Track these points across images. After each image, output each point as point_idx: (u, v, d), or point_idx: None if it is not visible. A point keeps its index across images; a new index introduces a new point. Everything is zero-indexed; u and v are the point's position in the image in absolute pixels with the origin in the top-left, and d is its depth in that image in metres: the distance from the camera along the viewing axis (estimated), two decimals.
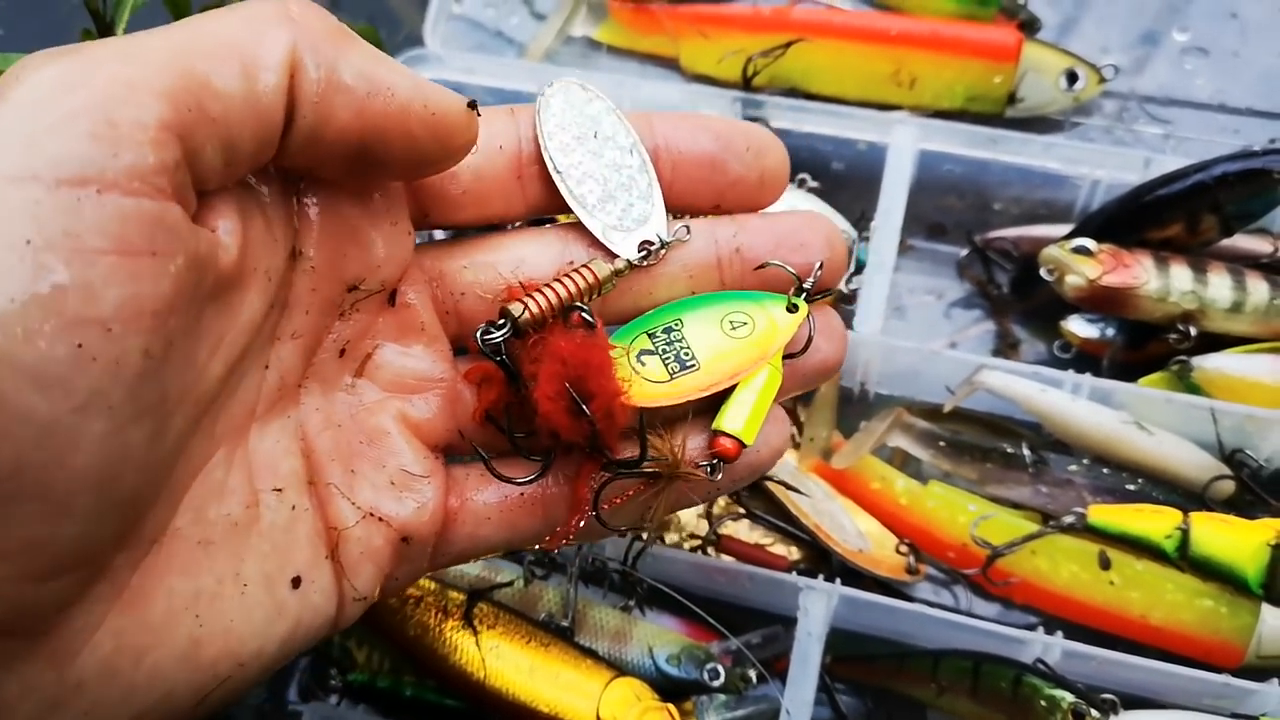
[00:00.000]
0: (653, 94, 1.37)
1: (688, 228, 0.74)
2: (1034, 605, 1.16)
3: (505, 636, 1.08)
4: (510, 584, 1.13)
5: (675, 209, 0.74)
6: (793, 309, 0.73)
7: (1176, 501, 1.13)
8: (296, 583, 0.63)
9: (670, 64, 1.49)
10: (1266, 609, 1.08)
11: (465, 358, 0.72)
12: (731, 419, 0.70)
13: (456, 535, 0.70)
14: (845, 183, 1.38)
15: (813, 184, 1.36)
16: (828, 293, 0.75)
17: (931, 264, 1.39)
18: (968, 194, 1.39)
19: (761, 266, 0.74)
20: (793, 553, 1.18)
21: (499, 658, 1.07)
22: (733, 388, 0.71)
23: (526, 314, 0.67)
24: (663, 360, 0.70)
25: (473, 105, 0.64)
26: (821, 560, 1.17)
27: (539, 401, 0.66)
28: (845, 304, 1.27)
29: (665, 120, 0.74)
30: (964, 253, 1.37)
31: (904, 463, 1.23)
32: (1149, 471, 1.17)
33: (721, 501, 1.19)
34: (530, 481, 0.70)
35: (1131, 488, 1.16)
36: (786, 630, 1.12)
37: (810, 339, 0.73)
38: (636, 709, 1.05)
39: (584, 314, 0.69)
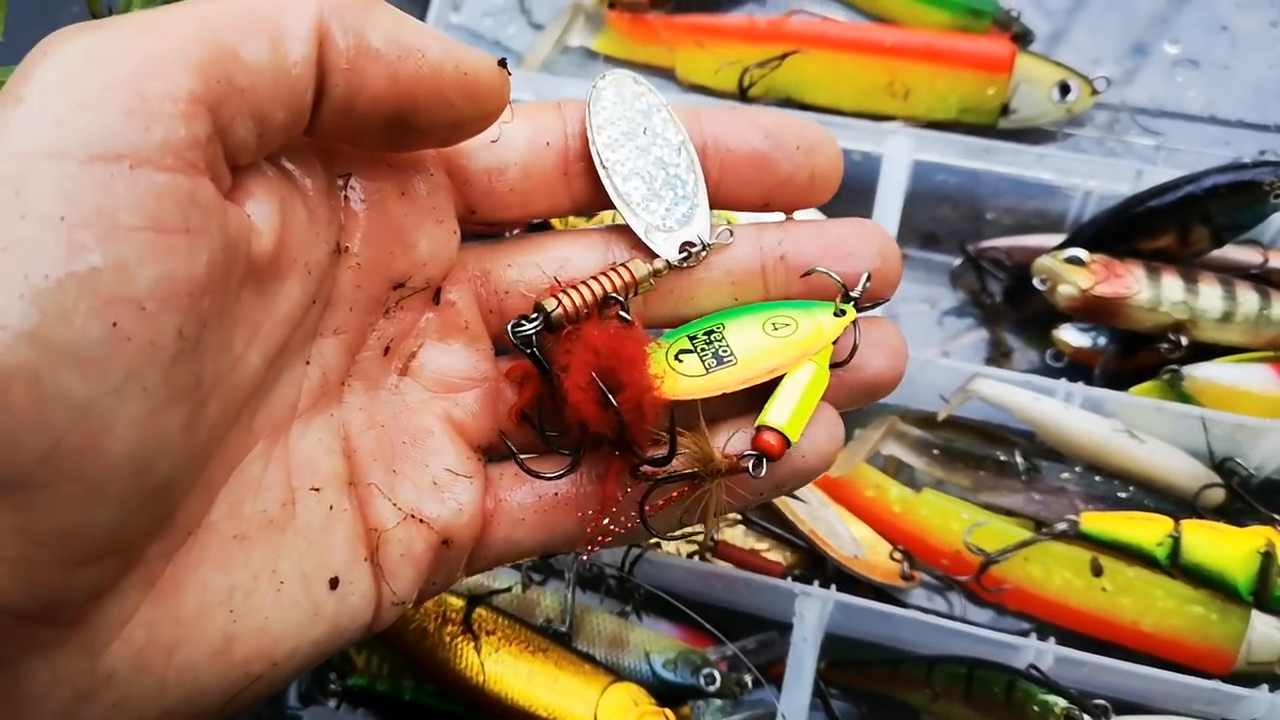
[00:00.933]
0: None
1: (731, 230, 0.72)
2: (1027, 612, 1.17)
3: (504, 642, 1.09)
4: (508, 590, 1.14)
5: (723, 206, 0.73)
6: (840, 314, 0.70)
7: (1168, 509, 1.14)
8: (334, 584, 0.62)
9: (667, 74, 1.50)
10: (1256, 616, 1.09)
11: (506, 357, 0.72)
12: (775, 413, 0.68)
13: (492, 538, 0.69)
14: (840, 193, 1.37)
15: None
16: (878, 303, 0.73)
17: (925, 273, 1.40)
18: (961, 204, 1.40)
19: (808, 274, 0.71)
20: (787, 558, 1.19)
21: (497, 663, 1.08)
22: (774, 385, 0.69)
23: (560, 309, 0.67)
24: (700, 358, 0.69)
25: (502, 64, 0.63)
26: (816, 566, 1.18)
27: (568, 391, 0.65)
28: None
29: (714, 116, 0.72)
30: (957, 262, 1.38)
31: (898, 470, 1.24)
32: (1140, 479, 1.18)
33: None
34: (560, 476, 0.69)
35: (1123, 495, 1.17)
36: (782, 636, 1.13)
37: (855, 347, 0.71)
38: (634, 714, 1.06)
39: (621, 309, 0.68)
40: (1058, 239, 1.30)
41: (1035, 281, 1.24)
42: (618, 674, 1.10)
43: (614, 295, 0.68)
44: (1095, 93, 1.39)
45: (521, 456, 0.70)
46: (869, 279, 0.71)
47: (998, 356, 1.34)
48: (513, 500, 0.70)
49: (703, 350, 0.70)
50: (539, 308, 0.67)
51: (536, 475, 0.69)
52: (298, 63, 0.54)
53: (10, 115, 0.47)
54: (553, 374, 0.67)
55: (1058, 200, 1.36)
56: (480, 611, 1.10)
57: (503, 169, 0.68)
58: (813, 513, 1.18)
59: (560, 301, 0.67)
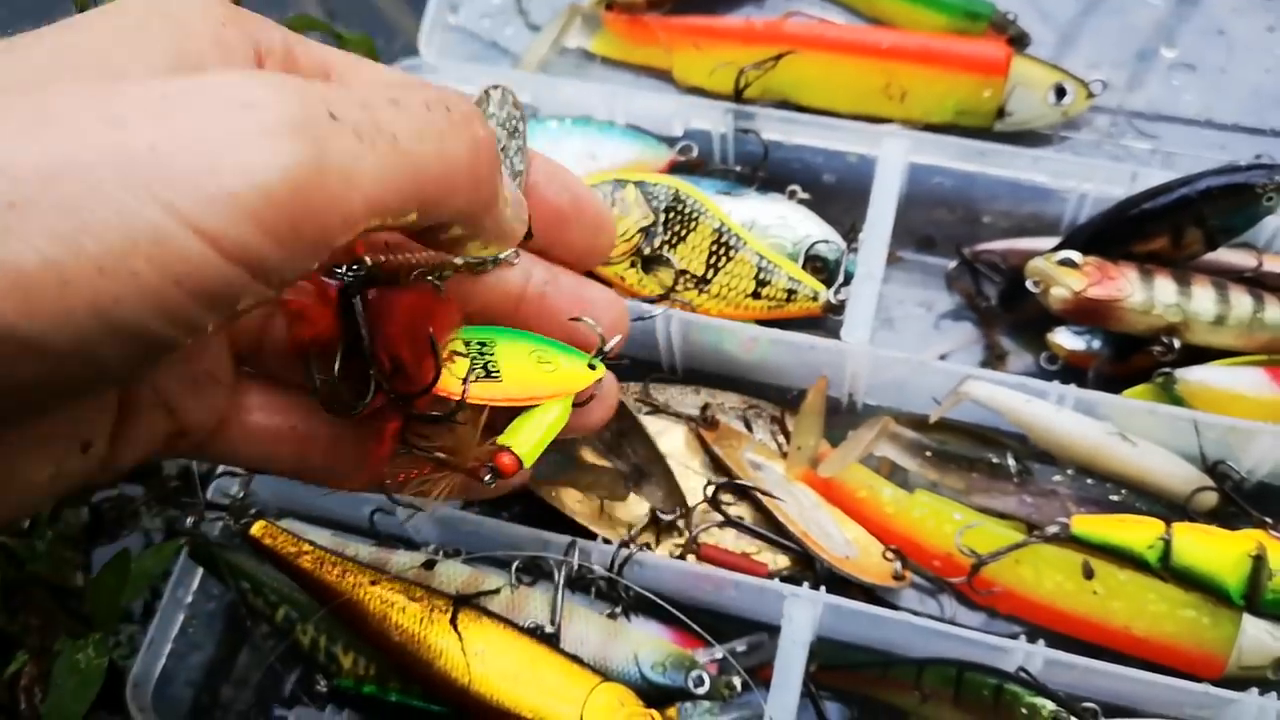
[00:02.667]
0: (645, 105, 1.39)
1: (518, 253, 0.81)
2: (1018, 615, 1.17)
3: (490, 642, 1.08)
4: (497, 591, 1.14)
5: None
6: (592, 368, 0.82)
7: (1159, 512, 1.14)
8: (86, 447, 0.65)
9: (663, 75, 1.51)
10: (1248, 619, 1.08)
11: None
12: (521, 441, 0.77)
13: (230, 441, 0.76)
14: (835, 194, 1.39)
15: (803, 195, 1.37)
16: (604, 358, 0.84)
17: (920, 276, 1.40)
18: (957, 206, 1.40)
19: (576, 319, 0.83)
20: (779, 561, 1.18)
21: (484, 663, 1.07)
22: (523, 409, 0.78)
23: (380, 264, 0.73)
24: (471, 364, 0.76)
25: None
26: (808, 568, 1.18)
27: (390, 336, 0.72)
28: (833, 314, 1.29)
29: (547, 165, 0.82)
30: (953, 265, 1.38)
31: (891, 472, 1.24)
32: (1132, 482, 1.18)
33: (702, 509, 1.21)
34: (355, 411, 0.74)
35: (1115, 498, 1.17)
36: (771, 638, 1.12)
37: (592, 396, 0.84)
38: (620, 715, 1.05)
39: (435, 282, 0.76)
40: (1053, 242, 1.30)
41: (1028, 283, 1.24)
42: (606, 675, 1.09)
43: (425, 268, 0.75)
44: (1091, 96, 1.39)
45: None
46: (612, 343, 0.84)
47: (993, 359, 1.33)
48: (254, 419, 0.76)
49: (474, 359, 0.77)
50: (359, 261, 0.72)
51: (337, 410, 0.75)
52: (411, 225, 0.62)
53: (182, 155, 0.49)
54: (362, 321, 0.72)
55: (1053, 203, 1.35)
56: (467, 612, 1.10)
57: None
58: (804, 514, 1.18)
59: (383, 258, 0.73)
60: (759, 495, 1.19)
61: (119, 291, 0.47)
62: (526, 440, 0.77)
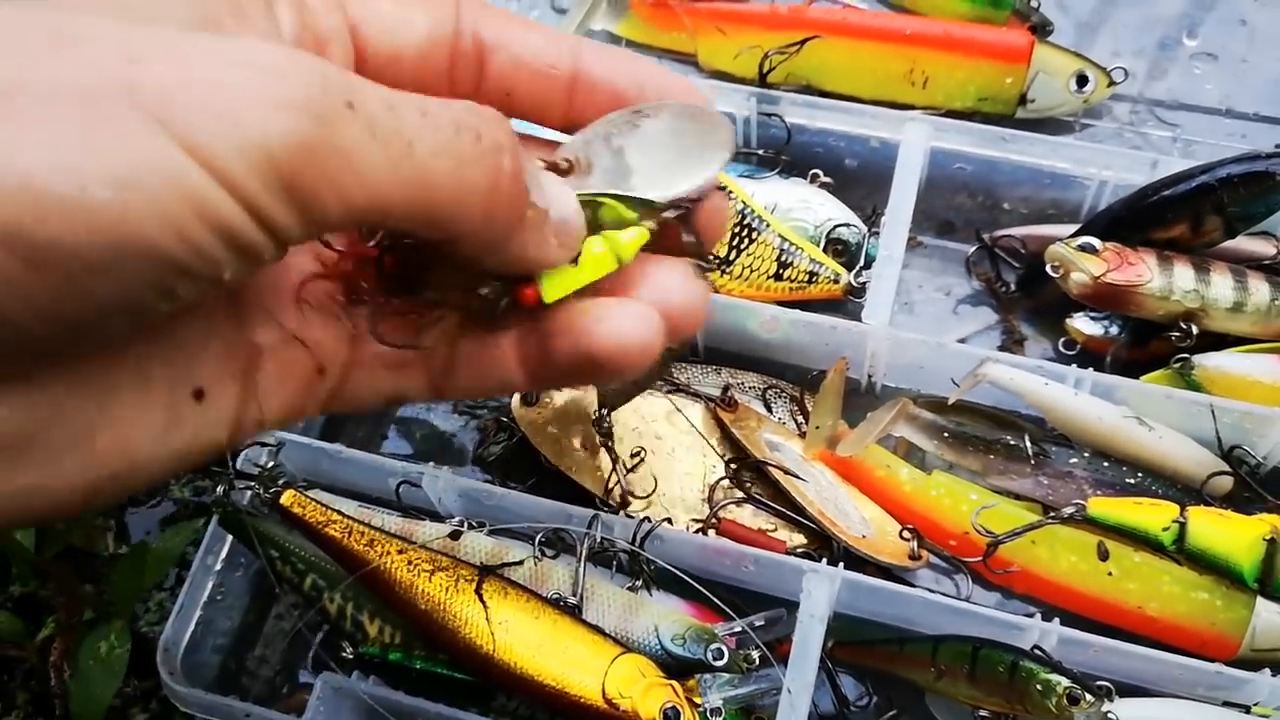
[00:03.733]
0: None
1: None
2: (1033, 595, 1.18)
3: (515, 612, 1.10)
4: (520, 563, 1.16)
5: (573, 128, 0.72)
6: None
7: (1175, 495, 1.15)
8: (199, 395, 0.61)
9: (688, 60, 1.52)
10: (1261, 603, 1.10)
11: None
12: (547, 278, 0.68)
13: (352, 379, 0.71)
14: (857, 179, 1.41)
15: (825, 179, 1.38)
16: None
17: (941, 261, 1.41)
18: (978, 192, 1.41)
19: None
20: (794, 539, 1.20)
21: (508, 633, 1.09)
22: None
23: None
24: None
25: None
26: (824, 546, 1.19)
27: None
28: (855, 297, 1.30)
29: (593, 49, 0.71)
30: (973, 250, 1.39)
31: (908, 453, 1.25)
32: (1148, 466, 1.19)
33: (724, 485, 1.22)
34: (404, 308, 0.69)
35: (1131, 481, 1.18)
36: (789, 613, 1.14)
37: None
38: (641, 685, 1.07)
39: None
40: (1073, 228, 1.31)
41: (1048, 268, 1.25)
42: (627, 646, 1.11)
43: None
44: (1113, 84, 1.40)
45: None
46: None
47: (1011, 344, 1.35)
48: (370, 349, 0.71)
49: None
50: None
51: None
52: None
53: (201, 96, 0.49)
54: None
55: (1074, 190, 1.37)
56: (492, 582, 1.12)
57: (399, 58, 0.67)
58: (821, 493, 1.19)
59: None
60: (777, 474, 1.20)
61: (135, 205, 0.47)
62: (558, 279, 0.68)
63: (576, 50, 0.71)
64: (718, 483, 1.22)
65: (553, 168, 0.70)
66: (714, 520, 1.19)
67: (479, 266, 0.65)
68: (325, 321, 0.68)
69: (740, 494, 1.21)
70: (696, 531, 1.19)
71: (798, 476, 1.20)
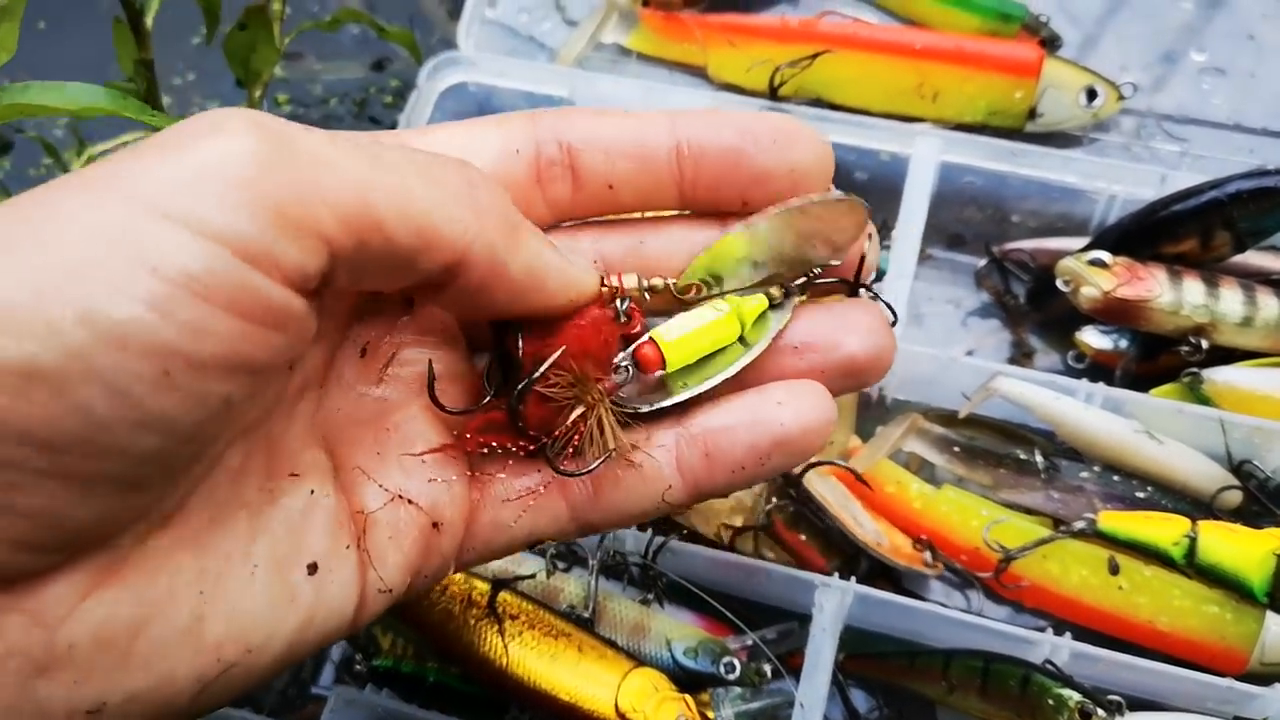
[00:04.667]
0: (680, 101, 1.41)
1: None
2: (1044, 609, 1.19)
3: (527, 626, 1.11)
4: (533, 576, 1.16)
5: (700, 208, 0.71)
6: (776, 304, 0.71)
7: (1185, 510, 1.16)
8: (313, 569, 0.60)
9: (698, 72, 1.52)
10: (1271, 617, 1.10)
11: (481, 355, 0.72)
12: (662, 329, 0.67)
13: (479, 524, 0.69)
14: (868, 192, 1.38)
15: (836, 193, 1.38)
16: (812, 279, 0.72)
17: (950, 273, 1.42)
18: (987, 206, 1.42)
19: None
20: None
21: (521, 646, 1.10)
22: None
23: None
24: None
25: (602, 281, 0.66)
26: (844, 558, 1.20)
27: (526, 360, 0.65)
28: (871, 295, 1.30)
29: (688, 116, 0.69)
30: (982, 263, 1.40)
31: (919, 467, 1.26)
32: (1158, 480, 1.19)
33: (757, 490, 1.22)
34: (525, 450, 0.68)
35: (1141, 495, 1.18)
36: (801, 626, 1.14)
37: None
38: (654, 699, 1.07)
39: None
40: (1082, 242, 1.31)
41: (1058, 283, 1.26)
42: (639, 660, 1.11)
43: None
44: (1122, 98, 1.41)
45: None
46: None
47: (1020, 357, 1.35)
48: (496, 486, 0.69)
49: None
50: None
51: (508, 448, 0.68)
52: (429, 263, 0.56)
53: (155, 170, 0.49)
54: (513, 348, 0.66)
55: (1082, 204, 1.37)
56: (505, 596, 1.12)
57: None
58: (841, 500, 1.20)
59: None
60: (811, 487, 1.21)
61: (93, 291, 0.46)
62: (670, 331, 0.67)
63: (672, 123, 0.68)
64: (764, 495, 1.22)
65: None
66: (765, 521, 1.20)
67: (517, 311, 0.63)
68: (430, 474, 0.66)
69: (785, 499, 1.22)
70: (738, 533, 1.19)
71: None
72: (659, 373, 0.67)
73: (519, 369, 0.66)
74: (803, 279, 0.70)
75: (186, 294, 0.47)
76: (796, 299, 0.70)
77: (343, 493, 0.64)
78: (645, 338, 0.67)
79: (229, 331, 0.49)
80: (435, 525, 0.66)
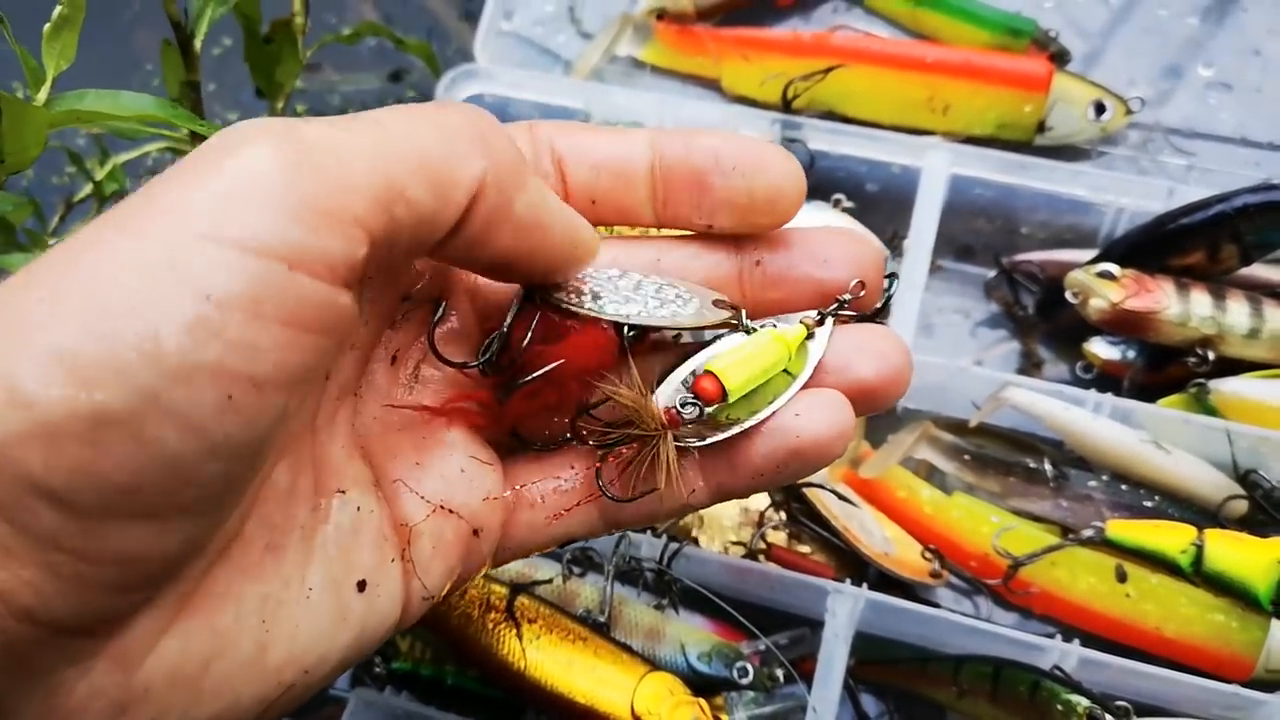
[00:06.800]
0: (694, 113, 1.42)
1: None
2: (1052, 615, 1.20)
3: (544, 630, 1.12)
4: (549, 581, 1.18)
5: (668, 225, 0.71)
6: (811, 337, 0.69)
7: (1192, 519, 1.17)
8: (362, 586, 0.62)
9: (712, 85, 1.54)
10: (1276, 624, 1.12)
11: None
12: (717, 360, 0.67)
13: (515, 526, 0.70)
14: (879, 204, 1.43)
15: (848, 204, 1.40)
16: (841, 308, 0.71)
17: (960, 284, 1.43)
18: (996, 218, 1.44)
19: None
20: (823, 561, 1.22)
21: (538, 650, 1.11)
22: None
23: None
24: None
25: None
26: (855, 570, 1.21)
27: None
28: (876, 320, 1.32)
29: (670, 135, 0.70)
30: (991, 274, 1.41)
31: (929, 474, 1.28)
32: (1166, 489, 1.21)
33: (763, 500, 1.24)
34: (549, 447, 0.70)
35: (1149, 504, 1.20)
36: (813, 632, 1.16)
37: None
38: (669, 703, 1.09)
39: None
40: (1090, 254, 1.33)
41: (1067, 295, 1.27)
42: (654, 664, 1.13)
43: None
44: (1130, 112, 1.42)
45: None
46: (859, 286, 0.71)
47: (1029, 367, 1.37)
48: (530, 487, 0.70)
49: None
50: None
51: (532, 446, 0.70)
52: (449, 211, 0.56)
53: (188, 195, 0.50)
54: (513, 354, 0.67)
55: (1091, 216, 1.39)
56: (523, 600, 1.14)
57: None
58: (847, 510, 1.22)
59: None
60: (813, 496, 1.22)
61: (153, 328, 0.47)
62: (724, 360, 0.66)
63: (652, 140, 0.69)
64: (766, 509, 1.24)
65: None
66: (763, 546, 1.21)
67: (553, 281, 0.65)
68: (471, 482, 0.67)
69: (782, 516, 1.23)
70: (744, 557, 1.21)
71: (842, 497, 1.22)
72: (716, 405, 0.67)
73: (518, 343, 0.67)
74: (834, 305, 0.71)
75: (240, 314, 0.48)
76: (831, 326, 0.71)
77: (385, 504, 0.65)
78: (703, 369, 0.67)
79: (283, 342, 0.50)
80: (475, 532, 0.67)
